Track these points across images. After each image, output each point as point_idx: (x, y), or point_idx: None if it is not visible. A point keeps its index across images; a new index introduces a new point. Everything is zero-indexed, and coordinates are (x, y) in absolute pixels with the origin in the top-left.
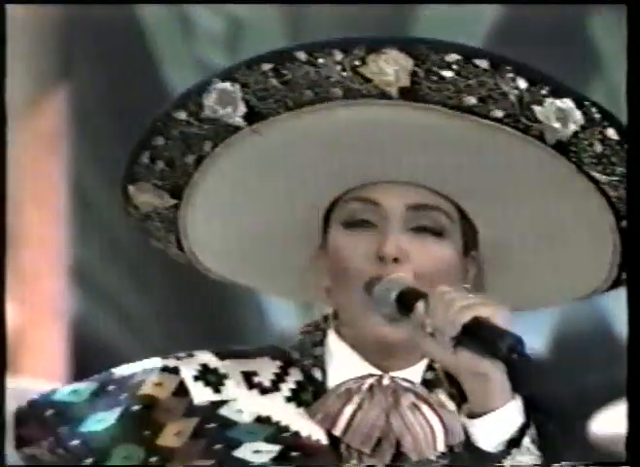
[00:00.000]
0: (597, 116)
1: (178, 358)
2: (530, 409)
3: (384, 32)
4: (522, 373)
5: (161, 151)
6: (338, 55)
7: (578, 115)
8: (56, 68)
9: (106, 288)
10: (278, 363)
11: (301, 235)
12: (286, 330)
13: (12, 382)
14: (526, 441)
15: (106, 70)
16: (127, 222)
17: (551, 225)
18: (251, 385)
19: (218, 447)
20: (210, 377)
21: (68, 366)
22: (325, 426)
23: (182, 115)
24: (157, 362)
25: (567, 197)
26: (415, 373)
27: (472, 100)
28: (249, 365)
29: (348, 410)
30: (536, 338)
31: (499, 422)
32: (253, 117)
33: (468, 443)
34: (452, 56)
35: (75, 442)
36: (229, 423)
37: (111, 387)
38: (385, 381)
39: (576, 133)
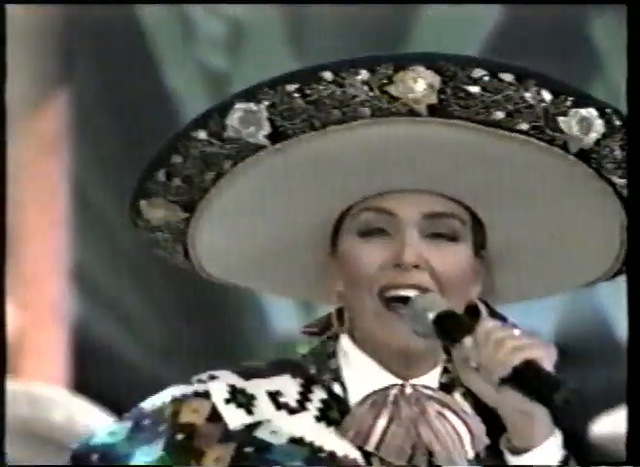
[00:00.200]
0: (618, 123)
1: (204, 381)
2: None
3: (385, 33)
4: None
5: (179, 169)
6: (365, 74)
7: (600, 123)
8: (57, 70)
9: (107, 291)
10: (299, 381)
11: (311, 244)
12: (286, 331)
13: (20, 386)
14: None
15: (106, 72)
16: (133, 232)
17: (564, 224)
18: (278, 406)
19: None
20: (240, 399)
21: (69, 369)
22: (358, 443)
23: (202, 135)
24: (183, 389)
25: (582, 199)
26: (433, 378)
27: (499, 115)
28: (272, 384)
29: (380, 424)
30: None
31: (541, 459)
32: (277, 136)
33: None
34: (478, 72)
35: None
36: (265, 446)
37: (146, 422)
38: (408, 390)
39: (598, 141)
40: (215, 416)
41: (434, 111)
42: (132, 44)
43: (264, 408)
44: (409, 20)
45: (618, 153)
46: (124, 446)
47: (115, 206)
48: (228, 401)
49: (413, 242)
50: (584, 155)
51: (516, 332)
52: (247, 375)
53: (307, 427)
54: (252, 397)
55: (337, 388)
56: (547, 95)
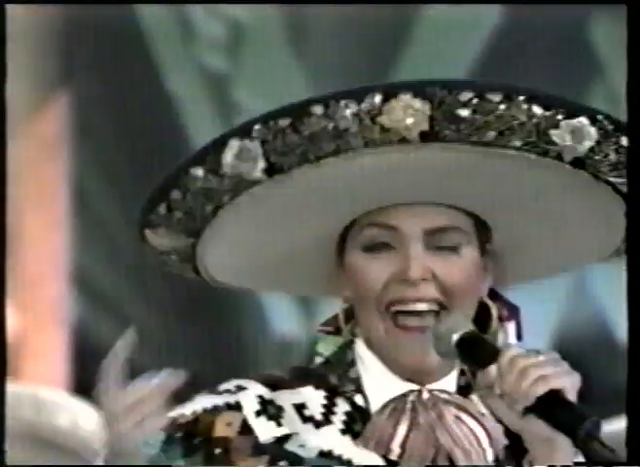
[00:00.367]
0: (610, 128)
1: (232, 392)
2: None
3: (385, 33)
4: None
5: (179, 203)
6: (354, 107)
7: (592, 131)
8: (57, 73)
9: (107, 293)
10: (323, 393)
11: (318, 255)
12: (287, 334)
13: (25, 390)
14: None
15: (106, 74)
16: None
17: (566, 222)
18: (304, 419)
19: None
20: (270, 410)
21: (69, 371)
22: (380, 453)
23: (199, 172)
24: (212, 399)
25: (582, 199)
26: (450, 381)
27: (492, 135)
28: (297, 397)
29: (400, 433)
30: (536, 342)
31: None
32: (273, 171)
33: None
34: (466, 95)
35: None
36: (297, 459)
37: (179, 434)
38: (425, 395)
39: (592, 148)
40: (246, 429)
41: (426, 137)
42: (132, 45)
43: (291, 420)
44: (410, 21)
45: (613, 156)
46: (159, 457)
47: (114, 208)
48: (258, 413)
49: (418, 256)
50: (579, 162)
51: (541, 358)
52: (273, 385)
53: (334, 440)
54: (280, 409)
55: (359, 399)
56: (537, 110)
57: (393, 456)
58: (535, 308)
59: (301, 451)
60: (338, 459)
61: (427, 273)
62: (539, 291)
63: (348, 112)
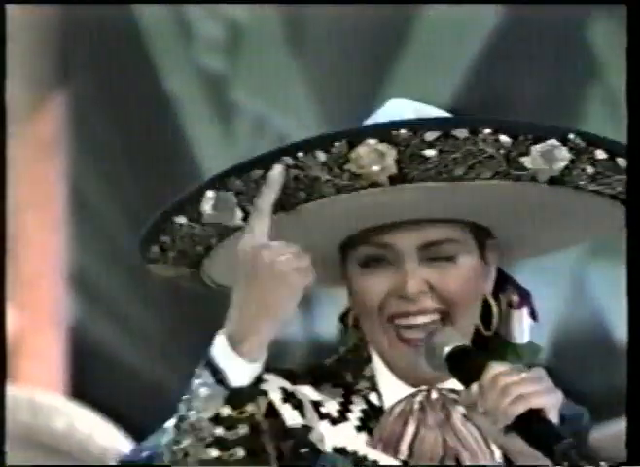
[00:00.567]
0: (583, 144)
1: (254, 381)
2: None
3: (384, 34)
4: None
5: (170, 246)
6: (322, 156)
7: (564, 151)
8: (55, 73)
9: (105, 294)
10: (339, 390)
11: (320, 272)
12: (287, 336)
13: (22, 393)
14: None
15: (104, 75)
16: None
17: (551, 222)
18: (321, 416)
19: None
20: (293, 401)
21: (67, 372)
22: (389, 454)
23: (183, 220)
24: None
25: (569, 206)
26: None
27: (460, 170)
28: (314, 393)
29: (408, 434)
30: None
31: None
32: None
33: None
34: (431, 135)
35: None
36: (317, 449)
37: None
38: (433, 395)
39: (566, 167)
40: (272, 413)
41: (395, 180)
42: (131, 48)
43: (310, 415)
44: (409, 21)
45: (590, 170)
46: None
47: (112, 209)
48: (284, 400)
49: (414, 271)
50: (555, 181)
51: (524, 375)
52: (292, 379)
53: (349, 437)
54: (300, 402)
55: (373, 397)
56: (505, 140)
57: (402, 457)
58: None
59: (319, 444)
60: (354, 455)
61: (424, 286)
62: (537, 291)
63: (316, 162)
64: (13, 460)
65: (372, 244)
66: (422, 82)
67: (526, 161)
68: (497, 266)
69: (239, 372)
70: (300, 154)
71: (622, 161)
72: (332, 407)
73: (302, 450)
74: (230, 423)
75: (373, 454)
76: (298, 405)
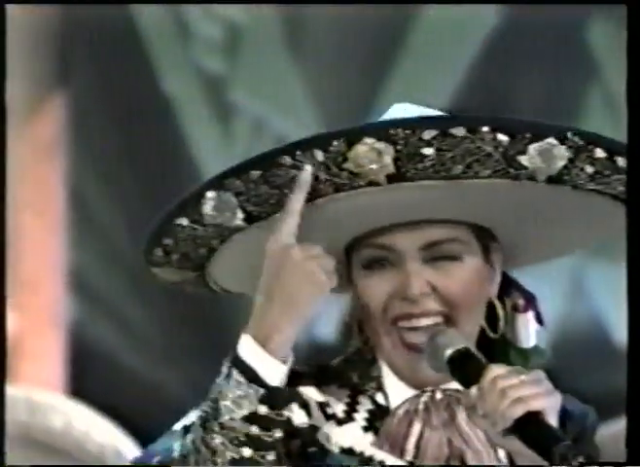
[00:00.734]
0: (581, 143)
1: None
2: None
3: (384, 34)
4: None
5: (173, 248)
6: (320, 155)
7: (562, 150)
8: (54, 74)
9: (105, 295)
10: (345, 392)
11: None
12: None
13: (20, 392)
14: None
15: (104, 76)
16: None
17: (553, 223)
18: (327, 416)
19: None
20: (301, 401)
21: (66, 373)
22: (395, 455)
23: (184, 221)
24: None
25: (565, 202)
26: None
27: (458, 169)
28: (320, 394)
29: (413, 434)
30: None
31: None
32: (252, 219)
33: None
34: (429, 133)
35: None
36: (325, 449)
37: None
38: (438, 396)
39: (565, 166)
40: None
41: (393, 179)
42: (129, 47)
43: (316, 416)
44: (408, 22)
45: (589, 169)
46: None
47: (112, 210)
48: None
49: (416, 272)
50: (554, 179)
51: (523, 378)
52: (298, 380)
53: (356, 437)
54: (307, 402)
55: (380, 398)
56: (503, 138)
57: (408, 457)
58: None
59: (326, 444)
60: (361, 456)
61: (427, 288)
62: (537, 292)
63: (315, 161)
64: (11, 459)
65: (373, 246)
66: (421, 83)
67: (524, 159)
68: (502, 270)
69: (271, 370)
70: (298, 153)
71: (621, 161)
72: (338, 408)
73: (310, 450)
74: (265, 423)
75: (380, 455)
76: (304, 405)
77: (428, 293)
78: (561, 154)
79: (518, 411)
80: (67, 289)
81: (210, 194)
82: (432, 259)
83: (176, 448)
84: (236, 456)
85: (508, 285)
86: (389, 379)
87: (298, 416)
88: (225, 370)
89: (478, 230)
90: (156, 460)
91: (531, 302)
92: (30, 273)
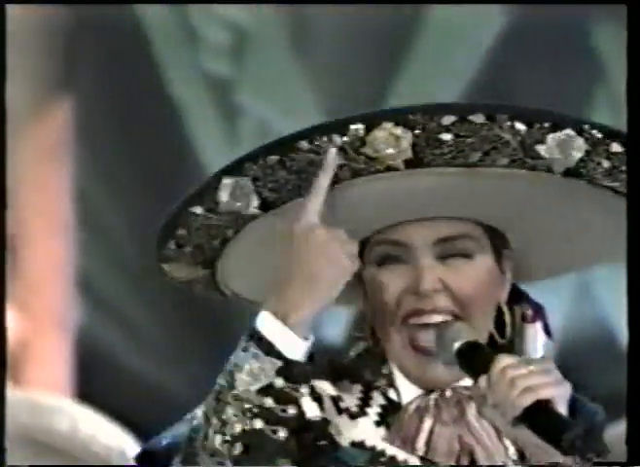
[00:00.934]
0: (599, 136)
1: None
2: None
3: (389, 37)
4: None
5: (186, 239)
6: (338, 140)
7: (580, 142)
8: (59, 77)
9: (110, 299)
10: (358, 386)
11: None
12: None
13: (24, 395)
14: None
15: (110, 81)
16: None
17: (575, 226)
18: (339, 410)
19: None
20: (313, 394)
21: (72, 376)
22: (407, 450)
23: (199, 210)
24: None
25: (582, 202)
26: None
27: (476, 156)
28: (333, 388)
29: (424, 430)
30: None
31: None
32: (268, 206)
33: None
34: (448, 119)
35: None
36: (335, 443)
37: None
38: (448, 393)
39: (581, 159)
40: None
41: (411, 164)
42: (136, 54)
43: (329, 410)
44: (413, 23)
45: (605, 163)
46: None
47: (118, 213)
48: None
49: (429, 268)
50: (571, 172)
51: (532, 368)
52: (312, 374)
53: (368, 432)
54: (320, 396)
55: (392, 394)
56: (521, 127)
57: (419, 453)
58: None
59: (338, 438)
60: (372, 450)
61: (439, 285)
62: (541, 293)
63: (333, 145)
64: (15, 461)
65: (386, 243)
66: (428, 85)
67: (542, 149)
68: (513, 280)
69: (289, 344)
70: (317, 138)
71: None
72: (351, 401)
73: (321, 443)
74: (281, 396)
75: (391, 450)
76: (317, 398)
77: (440, 289)
78: (578, 145)
79: (528, 399)
80: (73, 292)
81: (227, 180)
82: (444, 256)
83: (186, 431)
84: (247, 428)
85: (517, 295)
86: (400, 377)
87: (311, 409)
88: (242, 344)
89: (490, 231)
90: (165, 443)
91: (539, 312)
92: (36, 277)
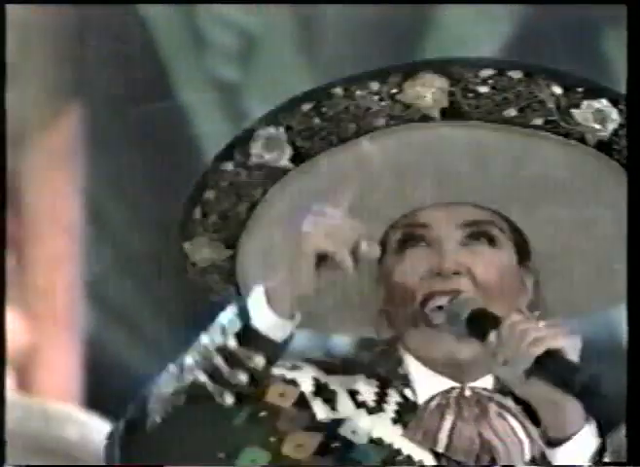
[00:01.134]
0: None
1: (288, 368)
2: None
3: (399, 40)
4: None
5: (213, 204)
6: (375, 86)
7: (615, 113)
8: (69, 82)
9: (120, 304)
10: (375, 382)
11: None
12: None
13: (35, 403)
14: (605, 459)
15: (118, 87)
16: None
17: (593, 226)
18: (357, 404)
19: None
20: (325, 393)
21: (82, 383)
22: (427, 445)
23: (229, 166)
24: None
25: (610, 195)
26: (487, 382)
27: (512, 112)
28: (350, 382)
29: (445, 426)
30: None
31: (577, 450)
32: (299, 157)
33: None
34: (486, 72)
35: None
36: (349, 444)
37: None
38: (467, 393)
39: (615, 131)
40: (303, 404)
41: (446, 114)
42: (144, 59)
43: (345, 405)
44: (425, 25)
45: None
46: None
47: (129, 219)
48: (315, 394)
49: (452, 250)
50: (603, 146)
51: (541, 324)
52: (326, 369)
53: (385, 428)
54: (334, 393)
55: (409, 393)
56: (557, 89)
57: (440, 448)
58: None
59: (351, 437)
60: (389, 447)
61: (461, 267)
62: None
63: (369, 91)
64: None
65: (411, 226)
66: None
67: (577, 113)
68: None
69: (263, 316)
70: (353, 85)
71: None
72: (368, 396)
73: (334, 445)
74: (231, 358)
75: (408, 448)
76: (330, 398)
77: (462, 272)
78: (613, 117)
79: (539, 349)
80: (83, 299)
81: (260, 130)
82: (469, 240)
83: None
84: (194, 379)
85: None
86: (416, 377)
87: (321, 410)
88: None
89: (515, 231)
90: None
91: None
92: (46, 283)
